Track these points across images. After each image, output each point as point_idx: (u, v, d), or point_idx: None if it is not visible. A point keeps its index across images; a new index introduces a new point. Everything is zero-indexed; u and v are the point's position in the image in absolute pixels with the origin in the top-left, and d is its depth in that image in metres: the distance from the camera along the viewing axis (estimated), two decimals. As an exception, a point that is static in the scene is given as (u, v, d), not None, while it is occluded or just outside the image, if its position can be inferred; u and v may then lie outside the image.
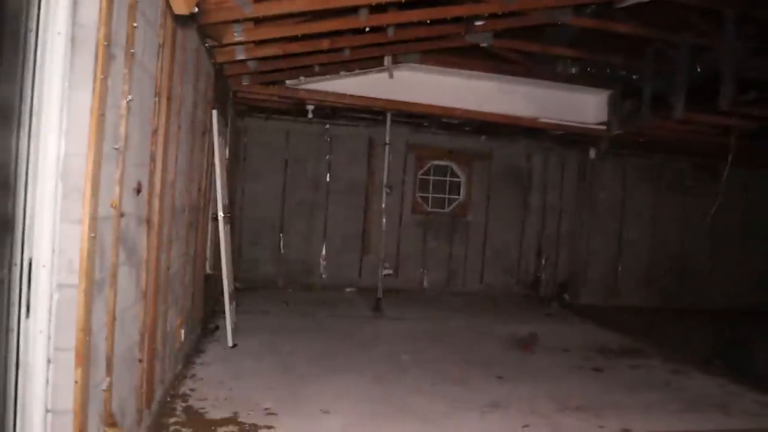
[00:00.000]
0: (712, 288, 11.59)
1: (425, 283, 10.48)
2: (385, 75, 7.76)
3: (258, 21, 5.36)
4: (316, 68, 7.31)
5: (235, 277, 7.88)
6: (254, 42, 5.83)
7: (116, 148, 2.84)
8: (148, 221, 3.57)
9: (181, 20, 3.92)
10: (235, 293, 7.01)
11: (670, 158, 11.25)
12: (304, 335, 6.89)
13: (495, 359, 6.49)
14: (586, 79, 8.17)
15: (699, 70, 6.86)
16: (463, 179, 10.74)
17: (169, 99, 3.81)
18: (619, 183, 11.18)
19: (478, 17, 6.35)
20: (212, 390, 4.78)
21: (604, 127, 8.70)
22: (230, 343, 6.05)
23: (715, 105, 6.56)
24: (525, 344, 7.13)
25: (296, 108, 8.71)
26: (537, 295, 10.72)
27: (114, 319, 2.94)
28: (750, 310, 11.47)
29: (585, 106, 8.84)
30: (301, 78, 7.64)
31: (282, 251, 10.00)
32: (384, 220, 8.78)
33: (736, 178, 11.46)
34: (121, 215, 2.96)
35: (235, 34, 5.38)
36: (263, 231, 9.93)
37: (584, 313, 10.04)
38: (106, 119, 2.63)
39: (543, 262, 10.76)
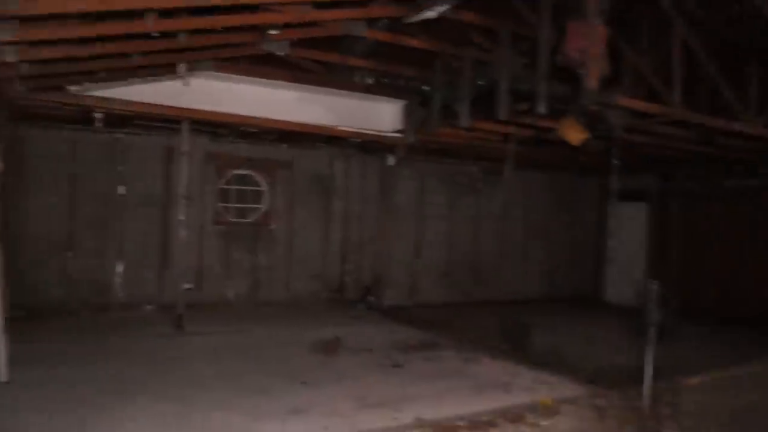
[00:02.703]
0: (501, 281, 12.73)
1: (230, 295, 10.24)
2: (179, 82, 7.49)
3: (27, 20, 4.90)
4: (103, 74, 6.86)
5: (12, 305, 7.08)
6: (28, 43, 5.33)
7: None
8: None
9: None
10: (10, 322, 6.29)
11: (462, 163, 12.12)
12: (96, 361, 6.37)
13: (300, 366, 6.52)
14: (382, 89, 8.54)
15: (481, 82, 7.44)
16: (265, 188, 10.66)
17: None
18: (416, 187, 11.81)
19: (273, 26, 6.37)
20: (-19, 430, 4.26)
21: (400, 135, 9.15)
22: (4, 379, 5.43)
23: (495, 114, 7.18)
24: (329, 347, 7.25)
25: (83, 116, 8.10)
26: (343, 298, 10.97)
27: None
28: (533, 300, 12.79)
29: (382, 115, 9.23)
30: (86, 84, 7.11)
31: (71, 271, 9.19)
32: (184, 232, 8.46)
33: (520, 181, 12.74)
34: None
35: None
36: (48, 251, 9.04)
37: (389, 313, 10.48)
38: None
39: (348, 266, 11.03)
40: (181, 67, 7.23)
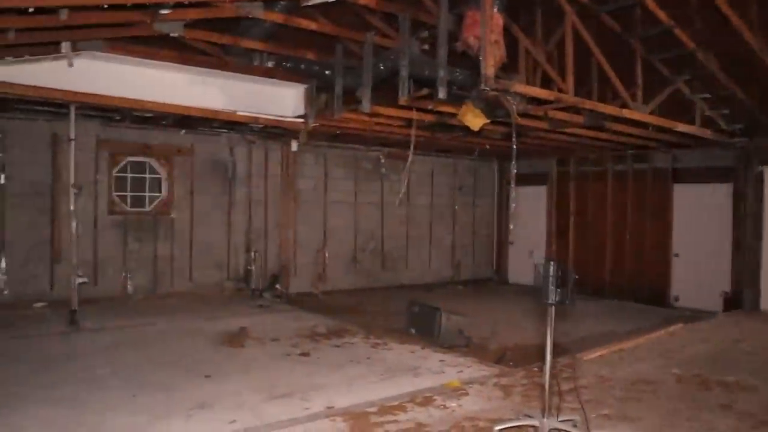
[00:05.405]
0: (408, 265, 12.89)
1: (129, 288, 9.76)
2: (64, 63, 7.01)
3: None
4: (-26, 51, 6.33)
5: None
6: None
7: None
8: None
9: None
10: None
11: (366, 148, 12.12)
12: (-24, 365, 5.92)
13: (203, 358, 6.32)
14: (283, 73, 8.35)
15: (382, 67, 7.42)
16: (163, 175, 10.21)
17: None
18: (321, 173, 11.71)
19: (163, 5, 6.08)
20: None
21: (302, 120, 9.01)
22: None
23: (396, 99, 7.19)
24: (235, 339, 7.08)
25: (-46, 99, 7.46)
26: (249, 288, 10.72)
27: None
28: (440, 283, 13.08)
29: (283, 100, 9.05)
30: (-45, 62, 6.54)
31: (-55, 270, 8.49)
32: (75, 223, 7.96)
33: (424, 165, 12.95)
34: None
35: None
36: None
37: (296, 301, 10.38)
38: None
39: (253, 254, 10.78)
40: (66, 47, 6.78)
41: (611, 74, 7.21)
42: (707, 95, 8.92)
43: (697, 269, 10.85)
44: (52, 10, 5.43)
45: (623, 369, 6.00)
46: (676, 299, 11.12)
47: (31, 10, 5.22)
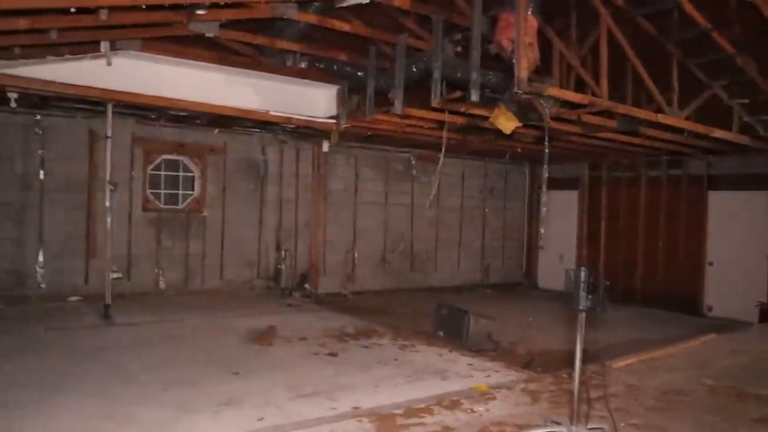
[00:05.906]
0: (437, 267, 12.87)
1: (161, 284, 9.91)
2: (102, 62, 7.16)
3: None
4: (16, 50, 6.48)
5: None
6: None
7: None
8: None
9: None
10: None
11: (397, 150, 12.14)
12: (13, 356, 6.03)
13: (232, 355, 6.39)
14: (316, 73, 8.41)
15: (414, 69, 7.42)
16: (196, 174, 10.35)
17: None
18: (352, 173, 11.76)
19: (199, 6, 6.16)
20: None
21: (334, 121, 9.05)
22: None
23: (428, 102, 7.18)
24: (263, 337, 7.14)
25: (-3, 96, 7.65)
26: (278, 286, 10.80)
27: None
28: (469, 286, 13.03)
29: (316, 100, 9.12)
30: (-1, 61, 6.71)
31: (-15, 261, 8.70)
32: (110, 219, 8.12)
33: (455, 168, 12.91)
34: None
35: None
36: (-40, 239, 8.54)
37: (324, 300, 10.44)
38: None
39: (283, 253, 10.86)
40: (105, 46, 6.92)
41: (646, 78, 7.11)
42: (745, 101, 8.73)
43: (731, 278, 10.63)
44: (93, 10, 5.55)
45: (654, 378, 5.90)
46: (710, 308, 10.91)
47: (72, 10, 5.33)
